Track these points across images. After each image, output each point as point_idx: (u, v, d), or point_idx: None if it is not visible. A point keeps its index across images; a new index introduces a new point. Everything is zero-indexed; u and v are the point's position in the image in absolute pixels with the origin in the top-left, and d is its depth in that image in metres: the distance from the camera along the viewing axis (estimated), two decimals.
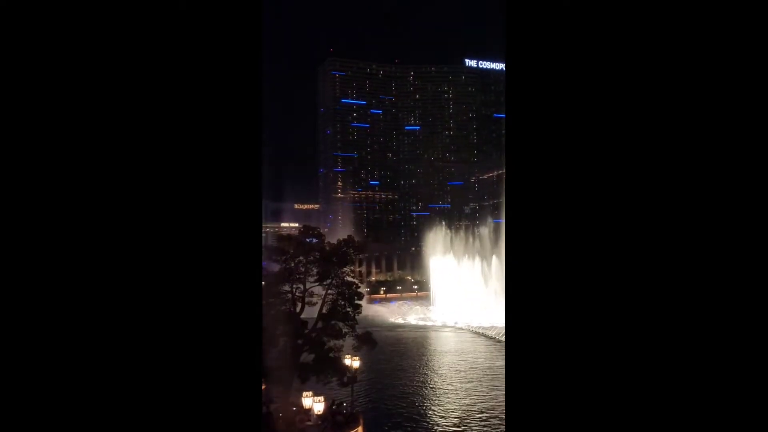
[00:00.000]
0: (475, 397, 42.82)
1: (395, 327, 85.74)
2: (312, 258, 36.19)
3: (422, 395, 44.41)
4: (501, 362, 54.92)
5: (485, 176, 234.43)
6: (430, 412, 39.76)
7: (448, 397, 43.54)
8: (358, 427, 31.32)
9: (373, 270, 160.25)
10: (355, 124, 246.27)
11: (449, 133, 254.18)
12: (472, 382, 47.95)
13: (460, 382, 48.39)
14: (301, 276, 35.72)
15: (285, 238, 38.87)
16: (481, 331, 78.02)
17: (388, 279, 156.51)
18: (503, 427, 34.46)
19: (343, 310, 35.51)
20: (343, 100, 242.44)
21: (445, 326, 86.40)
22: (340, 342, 34.83)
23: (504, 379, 4.44)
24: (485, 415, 38.13)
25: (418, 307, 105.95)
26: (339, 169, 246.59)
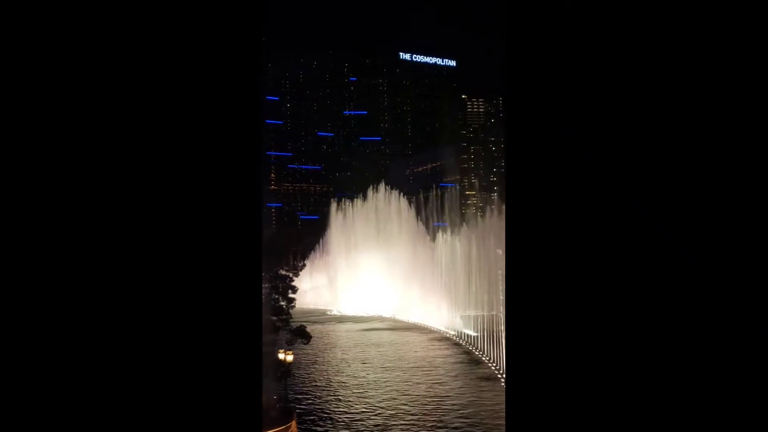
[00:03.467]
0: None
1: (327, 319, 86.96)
2: None
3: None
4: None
5: (419, 169, 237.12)
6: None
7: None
8: (291, 421, 31.21)
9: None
10: (286, 114, 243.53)
11: (384, 125, 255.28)
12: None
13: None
14: None
15: None
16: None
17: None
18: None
19: (276, 304, 35.26)
20: (269, 97, 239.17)
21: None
22: (273, 336, 34.57)
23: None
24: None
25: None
26: (272, 160, 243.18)
